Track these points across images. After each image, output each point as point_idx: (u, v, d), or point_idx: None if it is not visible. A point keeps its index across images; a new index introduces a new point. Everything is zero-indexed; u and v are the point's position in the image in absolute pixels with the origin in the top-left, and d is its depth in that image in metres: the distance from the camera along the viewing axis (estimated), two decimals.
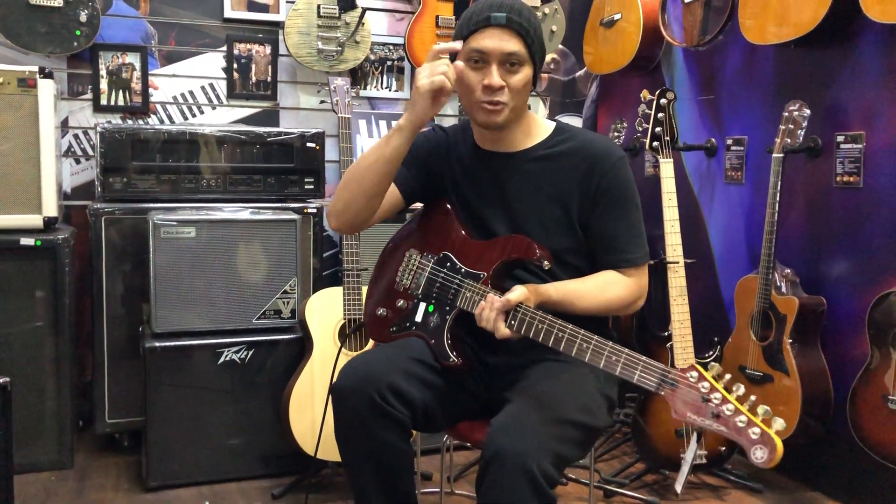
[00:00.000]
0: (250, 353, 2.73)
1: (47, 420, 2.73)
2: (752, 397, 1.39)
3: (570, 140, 1.83)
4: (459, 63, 1.73)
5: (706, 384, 1.41)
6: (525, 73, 1.73)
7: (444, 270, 1.83)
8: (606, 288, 1.78)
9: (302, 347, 2.78)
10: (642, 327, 2.80)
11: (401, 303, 1.89)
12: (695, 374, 1.43)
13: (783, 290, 2.65)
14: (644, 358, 1.51)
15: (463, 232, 1.86)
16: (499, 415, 1.62)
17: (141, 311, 2.84)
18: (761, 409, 1.37)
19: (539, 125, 1.88)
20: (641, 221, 1.83)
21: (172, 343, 2.65)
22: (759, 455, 1.34)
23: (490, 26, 1.70)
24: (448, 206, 1.91)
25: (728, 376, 1.43)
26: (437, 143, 1.95)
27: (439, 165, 1.93)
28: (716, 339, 2.77)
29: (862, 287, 2.57)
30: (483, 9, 1.72)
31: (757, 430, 1.35)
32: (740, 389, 1.40)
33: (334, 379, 1.77)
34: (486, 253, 1.79)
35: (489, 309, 1.65)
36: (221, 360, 2.70)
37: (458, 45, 1.73)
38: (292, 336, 2.79)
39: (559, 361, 1.77)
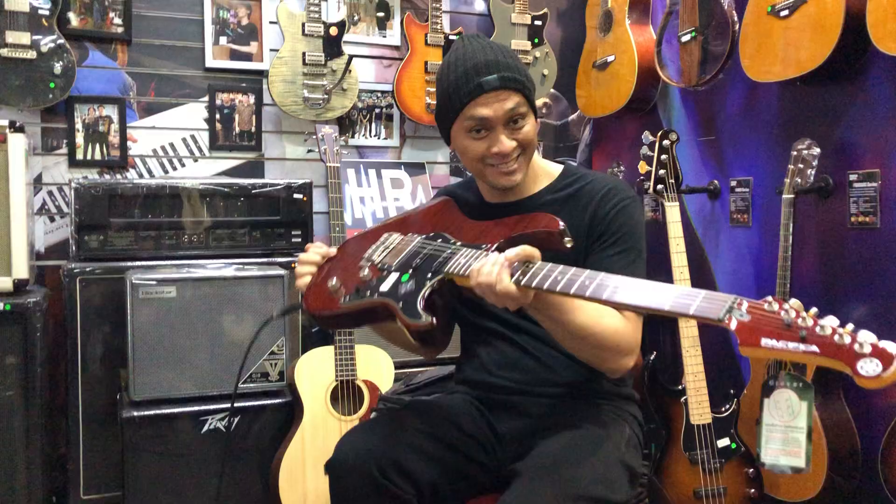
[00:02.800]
0: (236, 419, 2.56)
1: (17, 496, 2.52)
2: (851, 325, 1.11)
3: (578, 182, 1.72)
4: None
5: (789, 306, 1.11)
6: (530, 121, 1.64)
7: (435, 243, 1.56)
8: (605, 314, 1.52)
9: (291, 412, 2.61)
10: (654, 381, 2.64)
11: (364, 273, 1.58)
12: (772, 300, 1.13)
13: None
14: (703, 291, 1.21)
15: (463, 216, 1.67)
16: (507, 492, 1.46)
17: (119, 377, 2.66)
18: (863, 333, 1.08)
19: (544, 169, 1.78)
20: (643, 271, 1.65)
21: (152, 412, 2.48)
22: (869, 369, 1.05)
23: (484, 93, 1.57)
24: (450, 197, 1.78)
25: (814, 309, 1.12)
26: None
27: None
28: (732, 391, 2.61)
29: (883, 333, 2.41)
30: (469, 75, 1.58)
31: (868, 342, 1.07)
32: (834, 321, 1.11)
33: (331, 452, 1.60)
34: (491, 230, 1.55)
35: (492, 263, 1.36)
36: (205, 428, 2.53)
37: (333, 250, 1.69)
38: (281, 400, 2.62)
39: (574, 428, 1.61)
